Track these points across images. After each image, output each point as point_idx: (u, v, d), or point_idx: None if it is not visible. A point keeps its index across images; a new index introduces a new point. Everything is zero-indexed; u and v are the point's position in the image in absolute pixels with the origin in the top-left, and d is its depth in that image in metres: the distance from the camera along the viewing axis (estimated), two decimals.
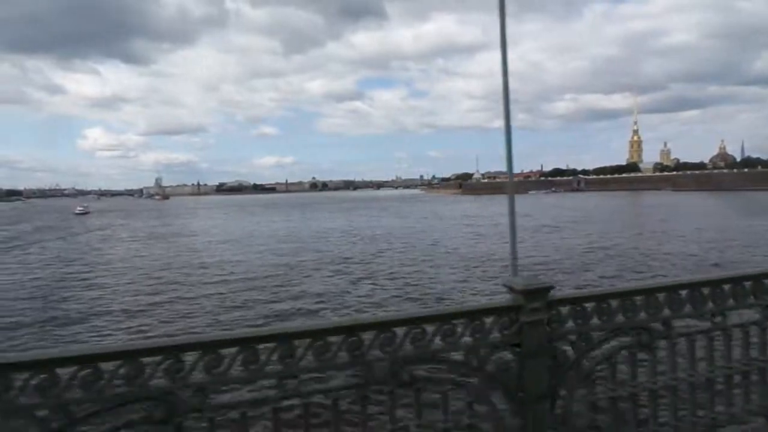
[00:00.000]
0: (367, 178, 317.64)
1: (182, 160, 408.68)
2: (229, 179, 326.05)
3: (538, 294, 2.40)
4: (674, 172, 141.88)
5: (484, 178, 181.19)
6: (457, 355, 2.33)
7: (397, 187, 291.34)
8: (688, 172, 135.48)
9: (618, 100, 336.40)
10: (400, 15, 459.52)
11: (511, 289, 2.45)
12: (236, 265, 29.09)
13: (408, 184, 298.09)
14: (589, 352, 2.53)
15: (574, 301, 2.52)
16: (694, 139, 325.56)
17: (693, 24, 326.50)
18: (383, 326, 2.21)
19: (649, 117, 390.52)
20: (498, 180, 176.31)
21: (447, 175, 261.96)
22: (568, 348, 2.50)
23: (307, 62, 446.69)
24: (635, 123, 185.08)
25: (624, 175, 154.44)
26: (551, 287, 2.44)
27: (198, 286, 22.94)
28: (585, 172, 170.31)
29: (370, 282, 22.77)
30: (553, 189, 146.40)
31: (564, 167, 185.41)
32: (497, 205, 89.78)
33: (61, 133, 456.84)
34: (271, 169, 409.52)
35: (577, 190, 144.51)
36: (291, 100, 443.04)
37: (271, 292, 21.12)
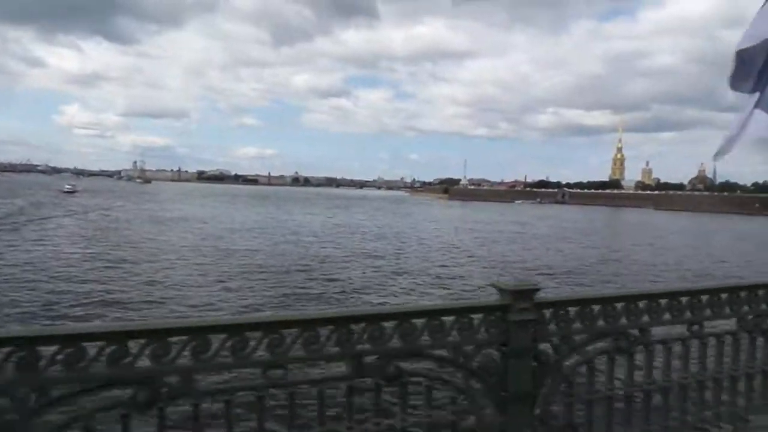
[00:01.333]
0: (348, 176, 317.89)
1: (161, 144, 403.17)
2: (208, 167, 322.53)
3: (526, 295, 2.44)
4: (656, 192, 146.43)
5: (470, 185, 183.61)
6: (444, 352, 2.37)
7: (379, 188, 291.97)
8: (671, 192, 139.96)
9: (598, 117, 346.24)
10: (392, 16, 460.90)
11: (499, 289, 2.50)
12: (273, 254, 30.02)
13: (390, 185, 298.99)
14: (570, 355, 2.60)
15: (558, 304, 2.58)
16: (672, 160, 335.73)
17: (677, 48, 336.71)
18: (373, 319, 2.23)
19: (630, 136, 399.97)
20: (485, 187, 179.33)
21: (427, 179, 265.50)
22: (550, 350, 2.56)
23: (294, 55, 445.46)
24: (620, 141, 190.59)
25: (608, 191, 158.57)
26: (538, 289, 2.50)
27: (246, 272, 23.78)
28: (567, 185, 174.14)
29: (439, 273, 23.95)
30: (539, 200, 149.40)
31: (545, 179, 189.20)
32: (489, 212, 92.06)
33: (37, 107, 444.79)
34: (250, 160, 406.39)
35: (562, 202, 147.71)
36: (275, 92, 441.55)
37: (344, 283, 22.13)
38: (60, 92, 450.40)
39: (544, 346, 2.54)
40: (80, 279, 20.75)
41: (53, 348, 1.80)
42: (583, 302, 2.65)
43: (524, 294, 2.45)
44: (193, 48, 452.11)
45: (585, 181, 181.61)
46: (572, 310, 2.59)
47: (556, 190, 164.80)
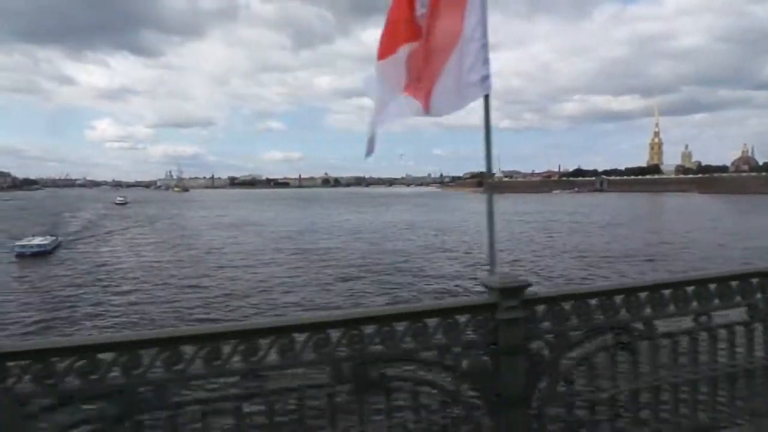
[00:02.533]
0: (375, 175, 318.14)
1: (190, 152, 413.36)
2: (236, 173, 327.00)
3: (514, 292, 2.35)
4: (699, 175, 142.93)
5: (505, 177, 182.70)
6: (430, 354, 2.29)
7: (409, 185, 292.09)
8: (715, 175, 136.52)
9: (626, 102, 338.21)
10: None
11: (487, 287, 2.41)
12: (355, 251, 31.69)
13: (418, 181, 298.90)
14: (567, 352, 2.48)
15: (551, 300, 2.47)
16: (706, 142, 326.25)
17: (704, 27, 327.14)
18: (351, 324, 2.16)
19: (661, 119, 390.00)
20: (518, 179, 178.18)
21: (455, 173, 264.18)
22: (545, 348, 2.46)
23: (315, 58, 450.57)
24: (656, 125, 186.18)
25: (648, 176, 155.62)
26: (527, 285, 2.40)
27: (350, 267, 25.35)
28: (605, 172, 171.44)
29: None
30: (576, 189, 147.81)
31: (579, 167, 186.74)
32: (531, 203, 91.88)
33: (70, 124, 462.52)
34: (276, 163, 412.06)
35: (600, 190, 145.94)
36: (298, 95, 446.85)
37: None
38: (91, 108, 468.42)
39: (539, 345, 2.44)
40: (197, 283, 22.56)
41: (24, 363, 1.81)
42: (579, 297, 2.52)
43: (512, 291, 2.36)
44: (216, 57, 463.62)
45: (618, 168, 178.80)
46: (567, 305, 2.48)
47: (593, 178, 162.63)
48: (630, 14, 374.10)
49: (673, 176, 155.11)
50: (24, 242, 31.86)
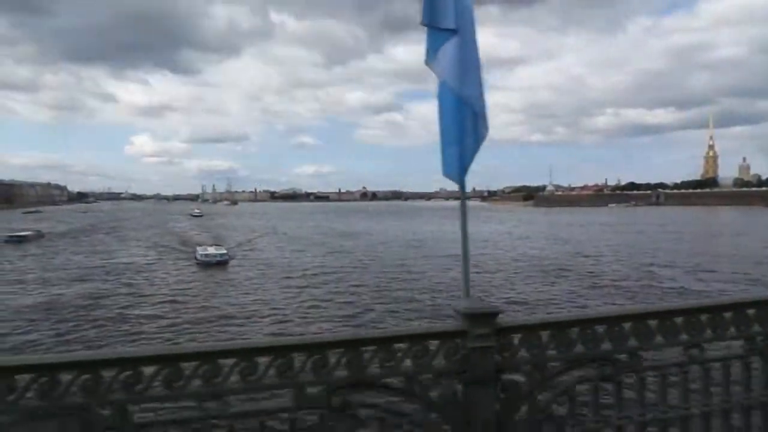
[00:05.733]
0: (407, 189, 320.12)
1: (224, 167, 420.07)
2: (270, 186, 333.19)
3: (482, 319, 2.27)
4: (765, 188, 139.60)
5: (557, 191, 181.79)
6: (398, 381, 2.22)
7: (447, 199, 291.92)
8: None
9: (661, 115, 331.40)
10: None
11: (457, 313, 2.34)
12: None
13: (456, 195, 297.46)
14: (546, 384, 2.38)
15: (528, 329, 2.38)
16: (751, 155, 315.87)
17: (742, 38, 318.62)
18: (315, 348, 2.13)
19: (697, 133, 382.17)
20: (572, 193, 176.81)
21: (490, 187, 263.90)
22: (522, 379, 2.36)
23: (347, 74, 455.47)
24: (711, 138, 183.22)
25: (707, 190, 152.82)
26: (498, 312, 2.31)
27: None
28: (662, 185, 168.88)
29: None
30: (634, 203, 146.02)
31: (611, 181, 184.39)
32: (595, 216, 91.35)
33: (110, 139, 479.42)
34: (309, 177, 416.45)
35: (657, 204, 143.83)
36: (330, 110, 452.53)
37: None
38: (130, 124, 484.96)
39: (515, 375, 2.35)
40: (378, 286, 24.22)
41: None
42: (557, 326, 2.42)
43: (481, 318, 2.26)
44: (251, 74, 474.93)
45: (665, 182, 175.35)
46: (545, 334, 2.38)
47: (649, 192, 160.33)
48: (664, 26, 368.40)
49: (734, 189, 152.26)
50: (208, 251, 34.10)
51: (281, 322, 18.30)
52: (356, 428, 2.14)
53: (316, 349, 2.12)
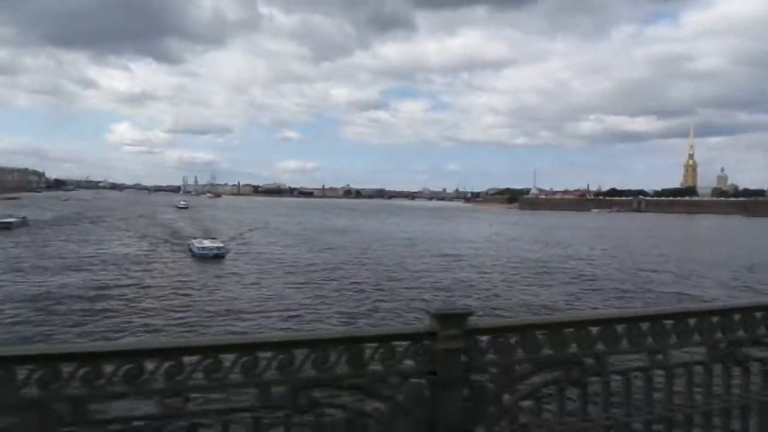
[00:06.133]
0: (391, 188, 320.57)
1: (205, 159, 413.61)
2: (251, 180, 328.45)
3: (453, 320, 2.29)
4: (742, 198, 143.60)
5: (541, 194, 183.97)
6: (366, 382, 2.22)
7: (430, 199, 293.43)
8: (760, 199, 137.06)
9: (642, 123, 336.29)
10: (429, 28, 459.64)
11: (427, 314, 2.36)
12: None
13: (438, 196, 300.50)
14: (512, 386, 2.41)
15: (495, 331, 2.41)
16: (723, 165, 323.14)
17: (723, 49, 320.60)
18: (281, 346, 2.11)
19: (677, 141, 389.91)
20: (556, 198, 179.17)
21: (471, 188, 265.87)
22: (488, 381, 2.38)
23: (334, 70, 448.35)
24: (691, 147, 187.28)
25: (686, 198, 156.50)
26: (469, 314, 2.33)
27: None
28: (635, 192, 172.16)
29: None
30: (617, 208, 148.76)
31: (594, 186, 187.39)
32: (579, 220, 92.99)
33: (90, 127, 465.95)
34: (292, 173, 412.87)
35: (638, 210, 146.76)
36: (316, 106, 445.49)
37: None
38: (111, 112, 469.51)
39: (482, 377, 2.38)
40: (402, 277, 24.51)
41: None
42: (525, 328, 2.48)
43: (452, 319, 2.29)
44: (237, 66, 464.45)
45: (645, 189, 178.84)
46: (513, 336, 2.40)
47: (630, 198, 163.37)
48: (649, 35, 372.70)
49: (713, 198, 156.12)
50: (204, 245, 33.76)
51: (288, 318, 18.45)
52: (322, 428, 2.13)
53: (282, 347, 2.10)
